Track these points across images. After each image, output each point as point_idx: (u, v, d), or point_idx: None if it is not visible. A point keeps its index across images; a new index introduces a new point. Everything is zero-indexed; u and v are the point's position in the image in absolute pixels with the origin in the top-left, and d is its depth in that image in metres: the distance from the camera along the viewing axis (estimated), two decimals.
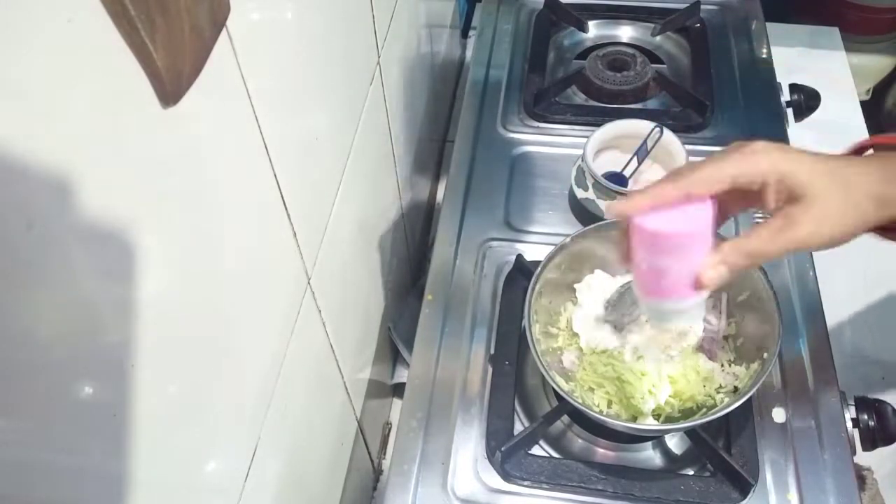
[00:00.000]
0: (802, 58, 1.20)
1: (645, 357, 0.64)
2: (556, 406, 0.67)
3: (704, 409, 0.62)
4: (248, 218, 0.47)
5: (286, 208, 0.51)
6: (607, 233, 0.69)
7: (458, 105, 1.18)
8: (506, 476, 0.64)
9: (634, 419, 0.62)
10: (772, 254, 0.48)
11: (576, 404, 0.59)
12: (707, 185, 0.48)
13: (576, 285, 0.71)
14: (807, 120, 0.99)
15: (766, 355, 0.60)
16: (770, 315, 0.61)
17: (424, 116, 1.02)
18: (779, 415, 0.66)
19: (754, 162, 0.48)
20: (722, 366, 0.65)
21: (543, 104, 0.94)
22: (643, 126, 0.82)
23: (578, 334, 0.68)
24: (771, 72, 0.98)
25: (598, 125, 0.83)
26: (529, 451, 0.66)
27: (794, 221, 0.47)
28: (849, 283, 0.92)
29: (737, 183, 0.48)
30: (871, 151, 0.54)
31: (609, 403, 0.64)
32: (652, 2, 1.08)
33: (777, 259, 0.51)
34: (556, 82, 0.97)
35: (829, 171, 0.47)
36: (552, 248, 0.67)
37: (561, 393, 0.60)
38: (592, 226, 0.69)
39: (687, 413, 0.62)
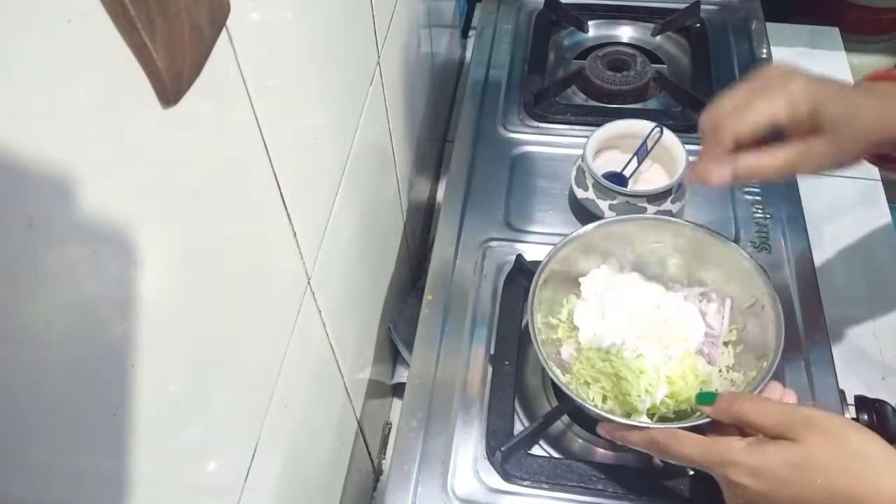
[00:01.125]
0: (802, 58, 1.20)
1: (644, 355, 0.64)
2: (556, 406, 0.67)
3: (699, 413, 0.62)
4: (248, 218, 0.47)
5: (286, 208, 0.51)
6: (615, 228, 0.69)
7: (458, 105, 1.18)
8: (506, 476, 0.64)
9: (629, 416, 0.62)
10: (782, 174, 0.55)
11: (573, 396, 0.59)
12: (753, 133, 0.54)
13: (581, 279, 0.71)
14: None
15: (764, 364, 0.60)
16: (772, 326, 0.61)
17: (424, 116, 1.02)
18: None
19: (792, 101, 0.53)
20: (720, 371, 0.65)
21: (543, 104, 0.94)
22: (643, 126, 0.82)
23: (578, 328, 0.68)
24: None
25: (598, 125, 0.83)
26: (529, 451, 0.66)
27: (813, 150, 0.52)
28: (849, 283, 0.92)
29: (773, 121, 0.53)
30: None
31: (604, 399, 0.64)
32: (652, 2, 1.08)
33: (790, 176, 0.60)
34: (556, 82, 0.97)
35: (851, 112, 0.52)
36: (560, 238, 0.68)
37: (557, 382, 0.60)
38: (599, 221, 0.70)
39: (681, 414, 0.62)
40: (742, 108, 0.54)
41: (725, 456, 0.50)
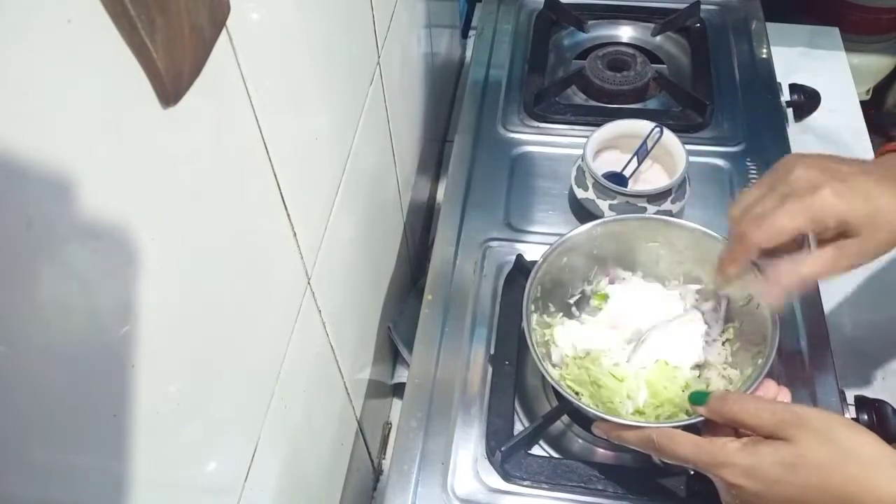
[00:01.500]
0: (802, 58, 1.20)
1: (621, 364, 0.65)
2: (556, 406, 0.67)
3: (691, 412, 0.62)
4: (248, 218, 0.47)
5: (286, 208, 0.51)
6: (613, 228, 0.70)
7: (458, 105, 1.18)
8: (506, 476, 0.64)
9: None
10: (824, 276, 0.56)
11: (569, 396, 0.59)
12: (777, 244, 0.55)
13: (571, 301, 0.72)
14: (807, 120, 0.99)
15: (760, 361, 0.60)
16: (768, 323, 0.61)
17: (424, 116, 1.02)
18: None
19: (821, 209, 0.53)
20: (717, 369, 0.66)
21: (543, 104, 0.94)
22: (643, 126, 0.82)
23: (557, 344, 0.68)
24: (771, 72, 0.98)
25: (598, 125, 0.83)
26: (529, 451, 0.66)
27: (847, 252, 0.54)
28: (849, 283, 0.92)
29: (800, 231, 0.54)
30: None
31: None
32: (652, 2, 1.08)
33: (830, 277, 0.58)
34: (556, 82, 0.97)
35: (877, 214, 0.53)
36: (558, 238, 0.68)
37: (552, 383, 0.60)
38: (598, 221, 0.70)
39: (669, 417, 0.62)
40: (768, 216, 0.55)
41: (719, 457, 0.50)
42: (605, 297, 0.72)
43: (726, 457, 0.49)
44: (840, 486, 0.46)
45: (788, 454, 0.47)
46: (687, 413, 0.62)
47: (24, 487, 0.30)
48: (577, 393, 0.64)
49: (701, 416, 0.54)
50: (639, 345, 0.66)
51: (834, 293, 0.90)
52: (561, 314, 0.71)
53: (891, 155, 0.59)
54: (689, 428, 0.61)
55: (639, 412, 0.62)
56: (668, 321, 0.67)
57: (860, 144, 1.08)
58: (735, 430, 0.53)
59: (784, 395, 0.58)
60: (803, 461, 0.47)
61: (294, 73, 0.53)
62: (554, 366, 0.67)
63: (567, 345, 0.67)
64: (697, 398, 0.55)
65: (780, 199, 0.55)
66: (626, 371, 0.64)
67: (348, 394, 0.73)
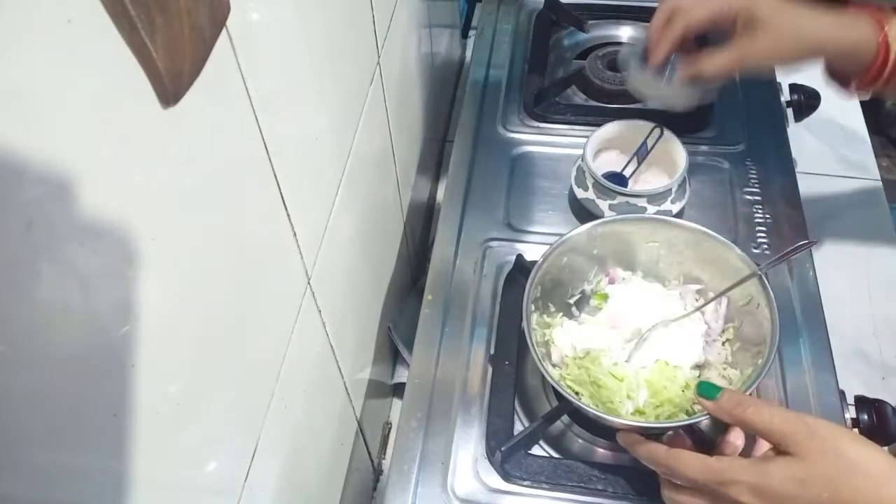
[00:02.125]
0: None
1: (621, 364, 0.65)
2: (556, 406, 0.67)
3: (691, 412, 0.62)
4: (248, 218, 0.47)
5: (286, 208, 0.51)
6: (613, 228, 0.70)
7: (458, 105, 1.18)
8: (506, 476, 0.64)
9: None
10: (732, 64, 0.64)
11: (570, 397, 0.59)
12: (695, 28, 0.65)
13: (571, 301, 0.72)
14: (807, 120, 0.99)
15: (759, 362, 0.60)
16: (767, 324, 0.61)
17: (424, 116, 1.02)
18: None
19: (729, 2, 0.63)
20: (717, 369, 0.66)
21: (543, 104, 0.94)
22: (643, 126, 0.82)
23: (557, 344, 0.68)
24: (771, 72, 0.98)
25: (598, 125, 0.83)
26: (529, 451, 0.66)
27: (755, 39, 0.60)
28: (849, 283, 0.92)
29: (714, 21, 0.63)
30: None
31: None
32: (652, 2, 1.07)
33: (732, 72, 0.67)
34: (556, 82, 0.97)
35: (782, 7, 0.60)
36: (557, 238, 0.68)
37: (553, 384, 0.60)
38: (597, 221, 0.70)
39: (669, 417, 0.62)
40: (690, 7, 0.66)
41: (728, 475, 0.50)
42: (605, 297, 0.72)
43: (734, 475, 0.49)
44: (849, 499, 0.46)
45: (798, 470, 0.47)
46: (687, 413, 0.62)
47: (24, 487, 0.30)
48: (577, 393, 0.64)
49: (707, 411, 0.54)
50: (639, 344, 0.66)
51: (834, 293, 0.90)
52: (561, 314, 0.71)
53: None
54: (689, 428, 0.61)
55: (639, 412, 0.62)
56: (668, 321, 0.67)
57: (860, 144, 1.08)
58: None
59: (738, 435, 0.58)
60: (813, 476, 0.47)
61: (294, 73, 0.53)
62: (554, 366, 0.67)
63: (567, 345, 0.67)
64: (706, 390, 0.54)
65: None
66: (626, 371, 0.64)
67: (348, 394, 0.73)
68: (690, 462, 0.52)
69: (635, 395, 0.62)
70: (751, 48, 0.62)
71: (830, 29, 0.61)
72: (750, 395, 0.57)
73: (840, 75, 0.67)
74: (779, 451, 0.49)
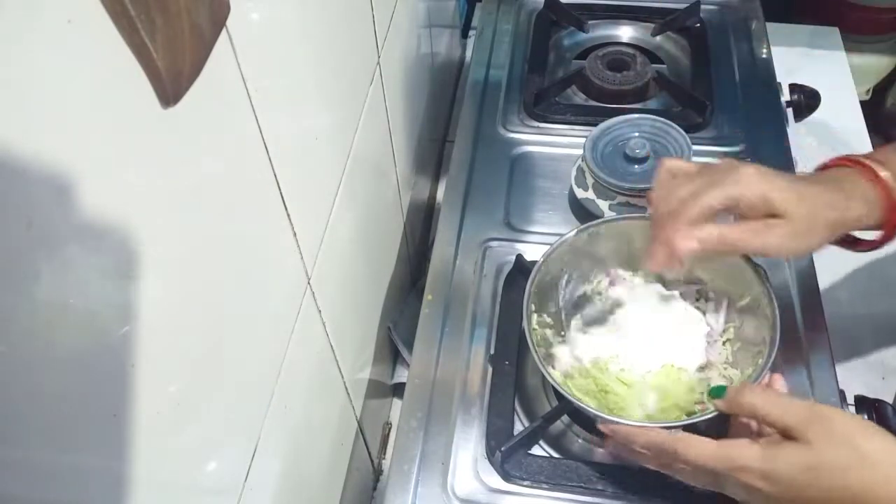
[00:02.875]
0: (802, 58, 1.20)
1: (627, 369, 0.64)
2: (556, 406, 0.67)
3: (696, 412, 0.62)
4: (248, 218, 0.47)
5: (286, 208, 0.51)
6: (612, 228, 0.70)
7: (458, 105, 1.18)
8: (506, 476, 0.64)
9: None
10: (745, 248, 0.57)
11: (570, 398, 0.59)
12: (707, 216, 0.56)
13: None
14: (807, 120, 0.99)
15: (760, 361, 0.60)
16: (768, 323, 0.61)
17: (424, 116, 1.02)
18: None
19: (745, 186, 0.55)
20: (718, 369, 0.65)
21: (543, 104, 0.94)
22: None
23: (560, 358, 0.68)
24: (771, 72, 0.98)
25: (599, 125, 0.83)
26: (529, 451, 0.66)
27: (771, 229, 0.55)
28: (849, 283, 0.92)
29: (727, 206, 0.56)
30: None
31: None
32: (652, 2, 1.07)
33: (740, 253, 0.62)
34: (556, 82, 0.97)
35: (800, 197, 0.55)
36: (557, 238, 0.68)
37: (554, 385, 0.60)
38: (596, 221, 0.70)
39: (675, 420, 0.62)
40: (696, 195, 0.56)
41: (737, 460, 0.49)
42: (608, 300, 0.71)
43: (744, 460, 0.49)
44: (859, 488, 0.46)
45: (809, 457, 0.47)
46: (688, 415, 0.62)
47: (24, 487, 0.30)
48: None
49: (719, 409, 0.54)
50: (644, 348, 0.66)
51: (834, 293, 0.90)
52: (561, 332, 0.70)
53: (827, 171, 0.61)
54: (689, 428, 0.61)
55: (648, 418, 0.62)
56: (671, 323, 0.67)
57: (860, 144, 1.08)
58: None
59: (777, 382, 0.58)
60: (824, 464, 0.47)
61: (294, 73, 0.53)
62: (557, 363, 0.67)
63: (571, 360, 0.67)
64: (718, 392, 0.54)
65: (704, 183, 0.57)
66: (634, 376, 0.64)
67: (348, 394, 0.73)
68: (697, 446, 0.51)
69: (645, 401, 0.62)
70: (773, 230, 0.55)
71: (839, 210, 0.56)
72: None
73: (846, 241, 0.62)
74: (790, 437, 0.49)
